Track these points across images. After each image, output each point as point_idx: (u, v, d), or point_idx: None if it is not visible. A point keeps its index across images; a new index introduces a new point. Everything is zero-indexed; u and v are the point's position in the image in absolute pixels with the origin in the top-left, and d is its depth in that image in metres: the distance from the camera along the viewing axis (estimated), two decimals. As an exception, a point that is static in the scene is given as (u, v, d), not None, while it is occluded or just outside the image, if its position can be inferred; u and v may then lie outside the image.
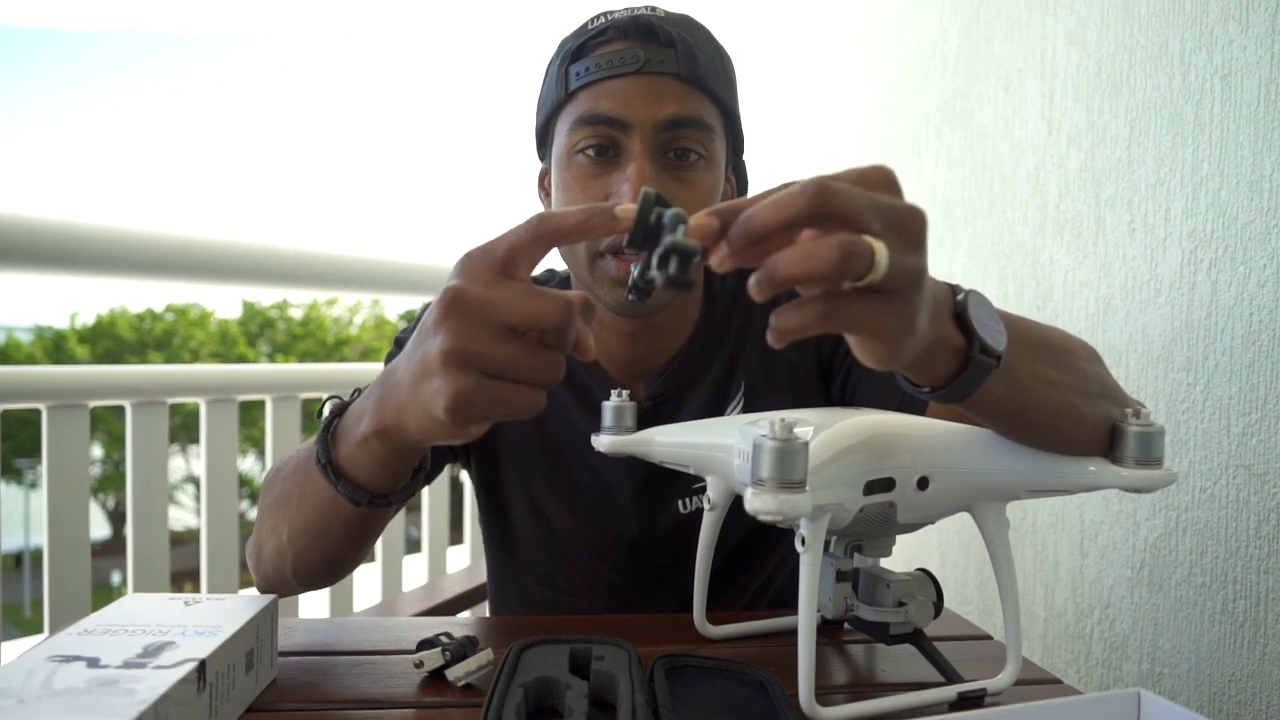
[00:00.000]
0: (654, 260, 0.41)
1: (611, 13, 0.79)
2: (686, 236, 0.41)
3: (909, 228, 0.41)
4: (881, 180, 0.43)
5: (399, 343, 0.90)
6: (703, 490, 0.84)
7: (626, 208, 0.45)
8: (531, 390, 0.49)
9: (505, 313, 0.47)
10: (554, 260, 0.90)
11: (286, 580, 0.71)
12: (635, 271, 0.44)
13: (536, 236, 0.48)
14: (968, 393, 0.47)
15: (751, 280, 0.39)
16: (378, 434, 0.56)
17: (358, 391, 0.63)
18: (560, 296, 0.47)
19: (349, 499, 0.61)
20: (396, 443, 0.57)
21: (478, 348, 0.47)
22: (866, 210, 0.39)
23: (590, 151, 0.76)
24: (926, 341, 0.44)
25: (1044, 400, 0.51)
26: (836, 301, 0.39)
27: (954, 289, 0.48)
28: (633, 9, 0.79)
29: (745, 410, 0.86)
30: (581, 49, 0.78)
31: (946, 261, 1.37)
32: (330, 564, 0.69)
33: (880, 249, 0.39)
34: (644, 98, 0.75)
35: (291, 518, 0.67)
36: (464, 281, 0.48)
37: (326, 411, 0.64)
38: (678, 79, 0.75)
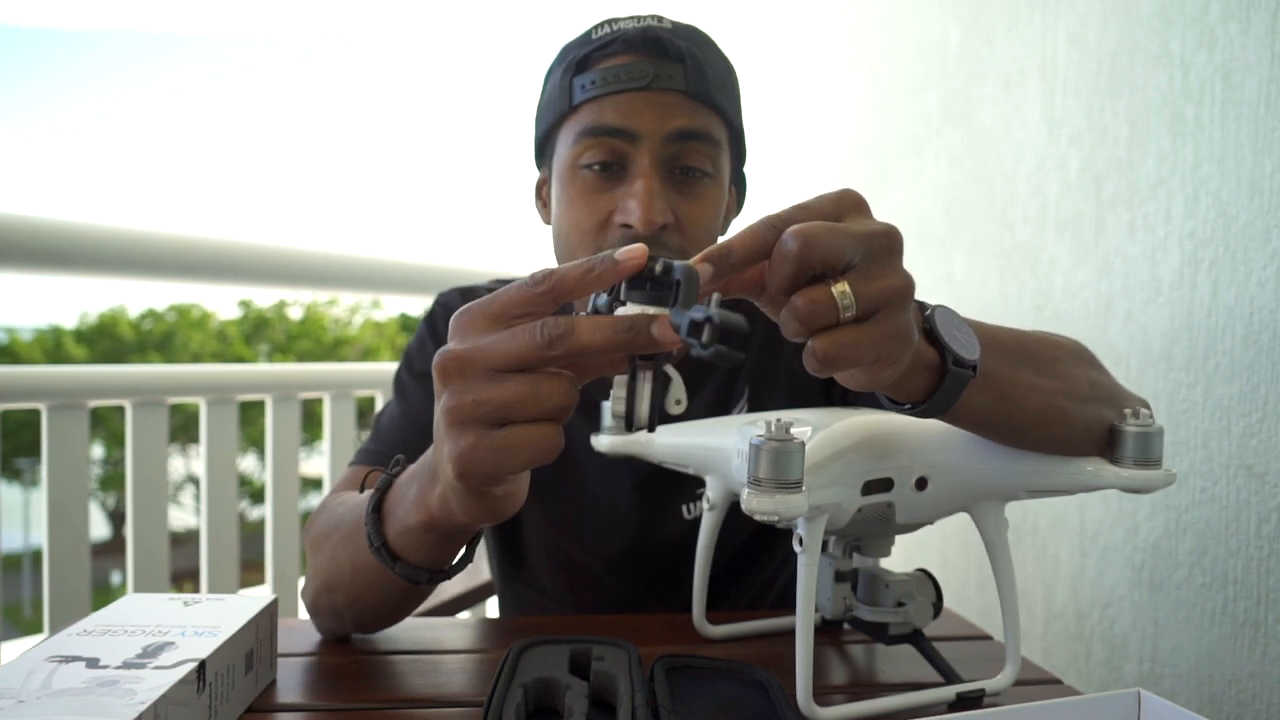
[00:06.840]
0: (684, 331, 0.41)
1: (617, 21, 0.77)
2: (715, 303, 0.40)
3: (884, 248, 0.42)
4: (854, 204, 0.44)
5: (406, 356, 0.91)
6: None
7: (627, 251, 0.43)
8: (540, 428, 0.45)
9: (492, 357, 0.45)
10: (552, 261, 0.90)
11: (346, 633, 0.72)
12: (623, 401, 0.45)
13: (543, 294, 0.45)
14: (947, 406, 0.47)
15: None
16: (426, 525, 0.55)
17: (399, 462, 0.61)
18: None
19: (407, 579, 0.59)
20: (447, 531, 0.56)
21: (471, 398, 0.45)
22: (846, 248, 0.41)
23: (595, 167, 0.75)
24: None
25: (1028, 406, 0.51)
26: (824, 341, 0.40)
27: (921, 305, 0.48)
28: (640, 18, 0.77)
29: (750, 411, 0.86)
30: (587, 60, 0.76)
31: (946, 262, 1.37)
32: (388, 620, 0.71)
33: (839, 287, 0.40)
34: (652, 110, 0.74)
35: (346, 589, 0.66)
36: (453, 342, 0.46)
37: (372, 489, 0.61)
38: (686, 95, 0.74)
